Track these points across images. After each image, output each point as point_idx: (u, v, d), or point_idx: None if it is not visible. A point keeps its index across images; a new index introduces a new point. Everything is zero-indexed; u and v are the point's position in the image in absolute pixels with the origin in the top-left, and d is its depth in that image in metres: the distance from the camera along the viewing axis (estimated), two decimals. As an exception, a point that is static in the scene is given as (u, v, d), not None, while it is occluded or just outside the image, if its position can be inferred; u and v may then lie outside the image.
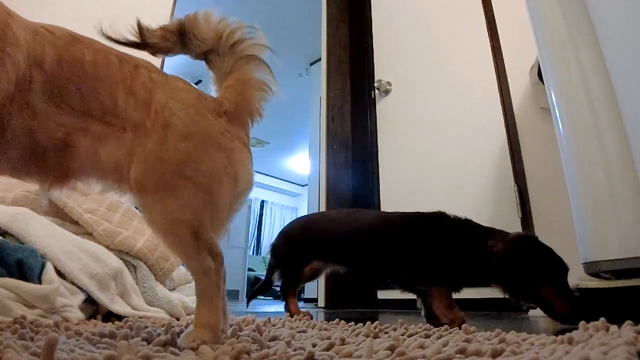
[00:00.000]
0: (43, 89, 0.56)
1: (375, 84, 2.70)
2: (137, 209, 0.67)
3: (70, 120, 0.58)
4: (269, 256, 1.58)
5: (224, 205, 0.65)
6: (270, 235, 8.36)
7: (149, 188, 0.58)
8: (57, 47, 0.59)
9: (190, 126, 0.63)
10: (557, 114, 1.25)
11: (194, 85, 0.71)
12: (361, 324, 0.88)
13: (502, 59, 2.10)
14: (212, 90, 0.78)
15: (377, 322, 0.90)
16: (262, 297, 5.80)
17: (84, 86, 0.59)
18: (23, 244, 1.04)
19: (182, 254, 0.63)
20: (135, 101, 0.61)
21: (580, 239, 1.17)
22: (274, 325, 0.91)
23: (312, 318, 1.28)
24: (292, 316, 1.29)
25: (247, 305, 1.80)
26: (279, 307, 2.26)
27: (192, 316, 1.31)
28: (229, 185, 0.65)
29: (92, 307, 1.08)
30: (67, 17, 2.00)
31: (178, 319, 1.21)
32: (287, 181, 8.79)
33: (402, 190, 2.43)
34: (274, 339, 0.66)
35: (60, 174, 0.61)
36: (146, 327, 0.75)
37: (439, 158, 2.28)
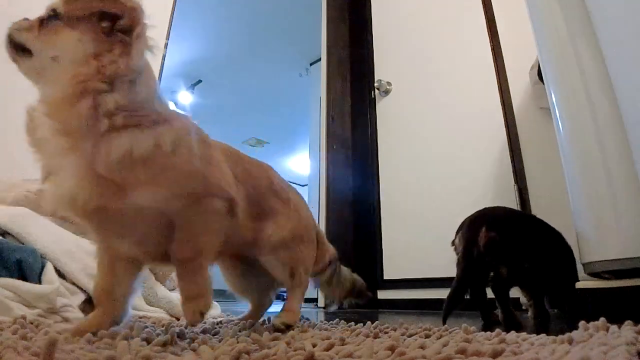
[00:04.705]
0: (245, 202, 0.81)
1: (375, 84, 2.70)
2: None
3: (253, 224, 0.84)
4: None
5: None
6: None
7: (286, 245, 0.89)
8: (237, 163, 0.84)
9: (307, 213, 1.00)
10: (557, 114, 1.25)
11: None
12: (361, 324, 0.88)
13: (502, 59, 2.10)
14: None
15: (377, 322, 0.90)
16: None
17: (257, 197, 0.86)
18: (23, 244, 1.04)
19: (286, 279, 0.92)
20: (281, 202, 0.91)
21: (580, 239, 1.17)
22: (273, 325, 0.91)
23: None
24: (518, 329, 0.78)
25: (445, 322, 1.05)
26: (278, 306, 2.24)
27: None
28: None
29: (92, 307, 1.08)
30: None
31: (178, 319, 1.21)
32: (287, 181, 8.79)
33: (402, 190, 2.43)
34: (274, 339, 0.66)
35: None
36: (146, 327, 0.75)
37: (439, 158, 2.28)
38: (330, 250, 1.07)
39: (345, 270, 1.13)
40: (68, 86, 0.60)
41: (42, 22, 0.65)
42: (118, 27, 0.64)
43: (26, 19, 0.67)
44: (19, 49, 0.65)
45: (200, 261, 0.69)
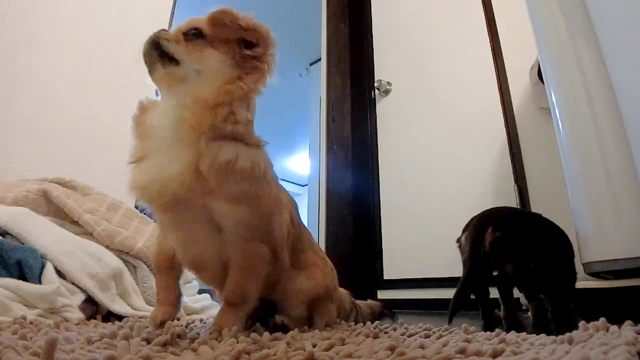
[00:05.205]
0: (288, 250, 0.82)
1: (375, 84, 2.70)
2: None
3: (286, 272, 0.82)
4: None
5: None
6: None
7: (319, 297, 0.88)
8: (294, 209, 0.88)
9: (333, 268, 0.98)
10: (557, 114, 1.25)
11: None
12: (361, 324, 0.89)
13: (502, 59, 2.10)
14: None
15: (377, 322, 0.90)
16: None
17: (298, 248, 0.87)
18: (23, 244, 1.04)
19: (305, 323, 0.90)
20: (319, 258, 0.93)
21: (580, 239, 1.17)
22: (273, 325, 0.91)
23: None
24: (518, 329, 0.74)
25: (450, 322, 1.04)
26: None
27: (193, 316, 1.31)
28: None
29: (92, 307, 1.08)
30: (65, 16, 2.00)
31: (178, 319, 1.20)
32: (287, 181, 8.77)
33: (402, 190, 2.43)
34: (274, 339, 0.66)
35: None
36: (146, 327, 0.75)
37: (439, 158, 2.28)
38: (347, 297, 1.08)
39: (364, 307, 1.14)
40: (216, 95, 0.71)
41: (185, 35, 0.75)
42: (252, 54, 0.77)
43: (165, 30, 0.77)
44: (164, 56, 0.74)
45: (245, 307, 0.75)
